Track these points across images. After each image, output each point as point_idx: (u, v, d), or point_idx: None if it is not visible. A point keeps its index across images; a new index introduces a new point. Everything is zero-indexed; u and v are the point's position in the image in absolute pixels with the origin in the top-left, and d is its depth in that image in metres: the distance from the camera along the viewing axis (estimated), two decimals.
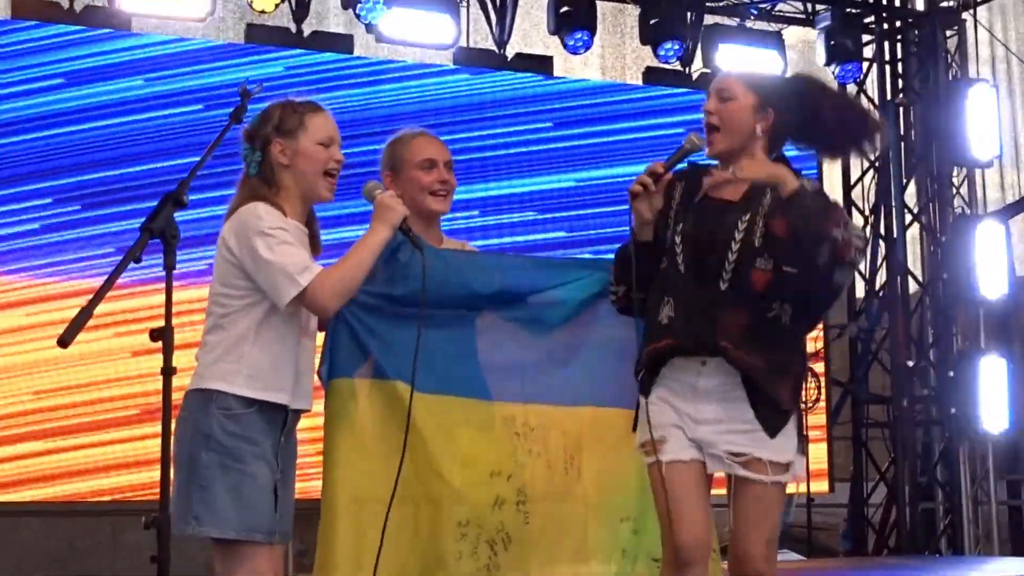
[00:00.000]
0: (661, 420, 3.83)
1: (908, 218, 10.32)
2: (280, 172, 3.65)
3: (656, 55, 9.26)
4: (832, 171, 10.52)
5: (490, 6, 9.10)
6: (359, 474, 3.77)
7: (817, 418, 8.93)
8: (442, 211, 4.11)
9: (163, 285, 3.23)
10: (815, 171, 9.69)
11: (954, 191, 10.43)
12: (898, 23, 10.42)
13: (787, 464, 3.81)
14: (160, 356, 3.21)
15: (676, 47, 9.21)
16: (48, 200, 7.63)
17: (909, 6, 10.47)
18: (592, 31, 9.01)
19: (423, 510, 3.82)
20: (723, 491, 3.93)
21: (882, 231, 10.27)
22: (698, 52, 9.46)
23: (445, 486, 3.82)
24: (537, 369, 4.03)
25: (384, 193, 3.73)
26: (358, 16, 8.32)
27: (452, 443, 3.84)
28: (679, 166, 3.88)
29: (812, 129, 3.89)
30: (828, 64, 9.85)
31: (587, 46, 9.06)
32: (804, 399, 8.48)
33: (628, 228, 3.87)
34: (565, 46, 9.01)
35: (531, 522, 3.91)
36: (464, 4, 8.95)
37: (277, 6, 8.15)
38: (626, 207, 3.86)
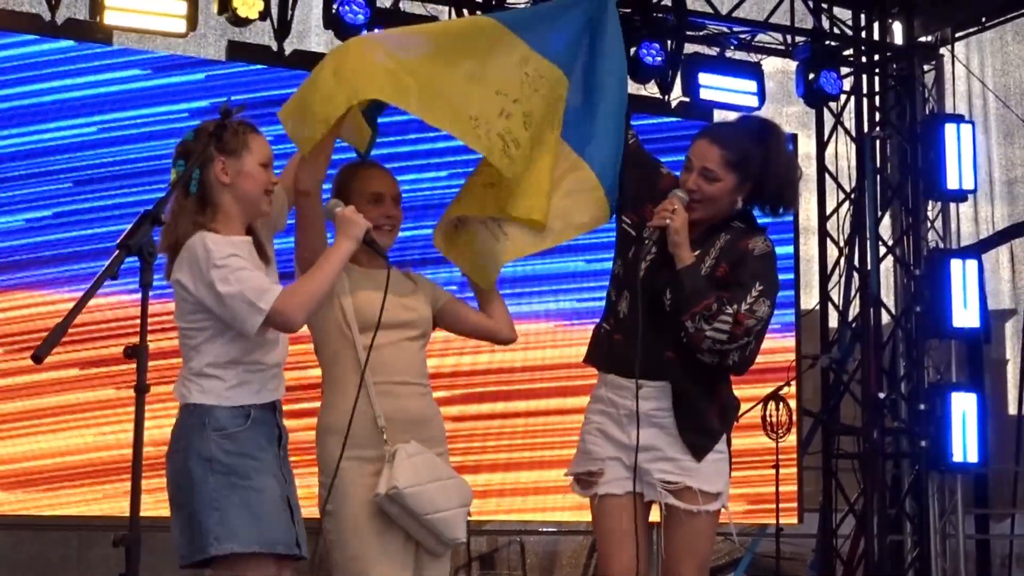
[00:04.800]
0: (599, 453, 4.00)
1: (882, 250, 10.37)
2: (219, 191, 3.61)
3: (638, 67, 9.18)
4: (808, 202, 10.58)
5: None
6: None
7: (787, 447, 8.95)
8: (386, 246, 4.02)
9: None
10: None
11: (929, 224, 10.50)
12: (876, 57, 10.49)
13: (716, 494, 3.94)
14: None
15: (656, 50, 9.19)
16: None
17: (888, 40, 10.54)
18: None
19: None
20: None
21: (856, 263, 10.32)
22: (678, 81, 9.51)
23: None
24: None
25: (345, 208, 3.76)
26: (342, 18, 8.28)
27: None
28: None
29: (768, 194, 4.10)
30: (805, 95, 9.90)
31: None
32: (776, 428, 8.59)
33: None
34: None
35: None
36: None
37: (261, 15, 8.11)
38: None
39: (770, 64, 10.29)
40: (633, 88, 9.48)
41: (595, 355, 4.19)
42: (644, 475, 3.95)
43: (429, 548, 3.95)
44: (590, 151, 4.16)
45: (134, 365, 3.12)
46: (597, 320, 4.24)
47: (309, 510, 3.80)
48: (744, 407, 8.48)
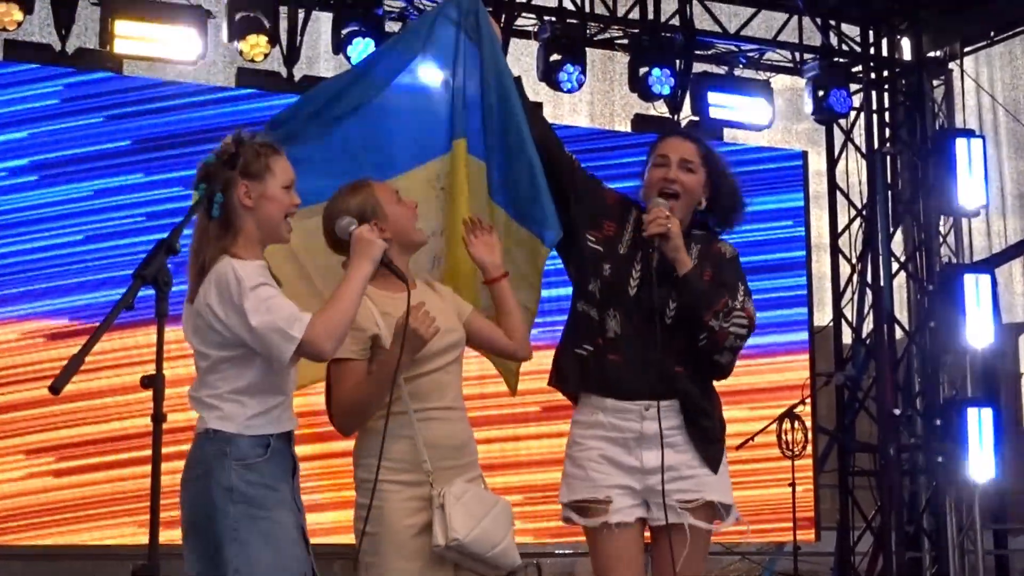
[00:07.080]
0: (604, 480, 3.95)
1: (895, 266, 10.35)
2: (242, 215, 3.57)
3: (647, 87, 9.20)
4: (819, 219, 10.57)
5: None
6: None
7: (804, 466, 8.92)
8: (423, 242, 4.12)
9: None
10: (801, 218, 9.78)
11: (941, 240, 10.47)
12: (885, 73, 10.48)
13: (730, 505, 3.98)
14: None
15: (666, 75, 9.20)
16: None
17: (896, 56, 10.53)
18: (583, 70, 9.03)
19: None
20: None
21: (869, 279, 10.29)
22: (687, 100, 9.51)
23: None
24: None
25: (360, 228, 3.71)
26: (347, 58, 8.31)
27: None
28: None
29: (722, 201, 4.16)
30: (814, 113, 9.90)
31: (580, 82, 9.05)
32: (791, 446, 8.56)
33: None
34: (558, 83, 9.01)
35: None
36: None
37: (266, 56, 8.17)
38: None
39: (779, 82, 10.29)
40: (642, 107, 9.49)
41: (580, 380, 4.08)
42: (658, 497, 3.91)
43: None
44: (508, 201, 4.27)
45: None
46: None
47: (340, 536, 3.78)
48: (759, 426, 8.54)
